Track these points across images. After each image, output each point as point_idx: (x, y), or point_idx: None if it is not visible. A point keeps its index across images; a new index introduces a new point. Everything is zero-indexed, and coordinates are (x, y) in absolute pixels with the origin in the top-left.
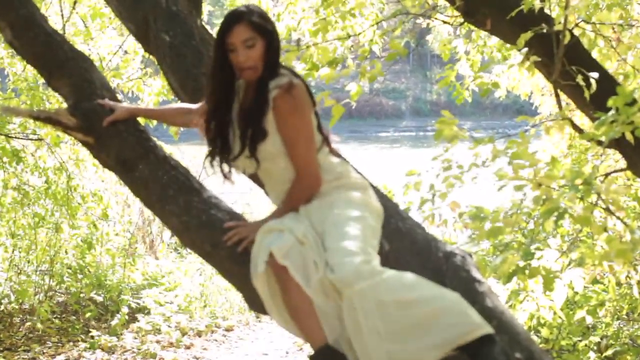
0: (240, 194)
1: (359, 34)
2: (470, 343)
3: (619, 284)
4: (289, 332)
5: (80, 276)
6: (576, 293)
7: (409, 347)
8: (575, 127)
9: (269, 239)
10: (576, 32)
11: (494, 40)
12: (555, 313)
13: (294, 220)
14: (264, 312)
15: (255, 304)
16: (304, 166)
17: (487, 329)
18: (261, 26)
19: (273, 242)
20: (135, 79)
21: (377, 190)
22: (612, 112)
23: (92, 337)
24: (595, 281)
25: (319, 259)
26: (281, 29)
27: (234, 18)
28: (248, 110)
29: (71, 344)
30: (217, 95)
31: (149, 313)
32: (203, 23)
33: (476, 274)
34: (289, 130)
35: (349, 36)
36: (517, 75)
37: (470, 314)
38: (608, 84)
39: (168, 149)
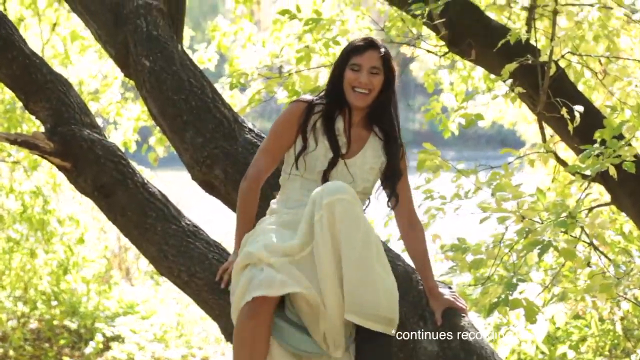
0: (219, 219)
1: None
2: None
3: (601, 319)
4: None
5: (54, 303)
6: (557, 328)
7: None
8: (559, 159)
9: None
10: (562, 63)
11: (479, 70)
12: (537, 348)
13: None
14: None
15: (232, 335)
16: None
17: (393, 331)
18: (389, 62)
19: (251, 289)
20: (115, 103)
21: None
22: (597, 144)
23: None
24: (577, 316)
25: None
26: (265, 55)
27: (370, 43)
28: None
29: None
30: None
31: (123, 342)
32: (184, 48)
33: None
34: None
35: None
36: (502, 105)
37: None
38: (593, 117)
39: (147, 174)
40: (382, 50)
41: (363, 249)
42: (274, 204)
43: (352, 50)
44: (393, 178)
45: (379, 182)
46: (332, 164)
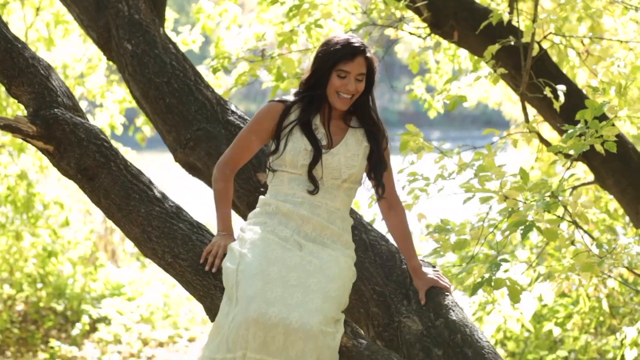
0: (201, 202)
1: None
2: None
3: (588, 297)
4: None
5: (40, 285)
6: (544, 306)
7: None
8: (542, 140)
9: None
10: (545, 44)
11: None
12: (523, 326)
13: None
14: None
15: (216, 316)
16: None
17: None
18: (372, 66)
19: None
20: (100, 86)
21: None
22: (580, 125)
23: (52, 347)
24: (563, 294)
25: None
26: (249, 36)
27: (358, 50)
28: None
29: (30, 354)
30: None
31: (110, 323)
32: (168, 31)
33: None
34: None
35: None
36: (487, 85)
37: None
38: (576, 97)
39: (133, 156)
40: (369, 55)
41: None
42: (263, 198)
43: (342, 57)
44: (378, 167)
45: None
46: (315, 159)
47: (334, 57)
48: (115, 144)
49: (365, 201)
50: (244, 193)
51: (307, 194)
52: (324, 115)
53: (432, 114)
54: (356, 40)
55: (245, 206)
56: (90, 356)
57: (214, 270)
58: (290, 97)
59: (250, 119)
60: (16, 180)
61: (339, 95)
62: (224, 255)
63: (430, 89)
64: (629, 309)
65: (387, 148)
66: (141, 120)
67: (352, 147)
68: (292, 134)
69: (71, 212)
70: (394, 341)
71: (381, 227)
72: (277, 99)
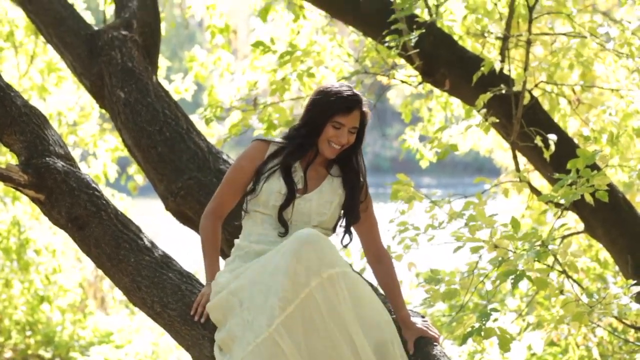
0: (193, 250)
1: None
2: None
3: (577, 345)
4: None
5: (28, 332)
6: (533, 355)
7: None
8: (533, 189)
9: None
10: (536, 93)
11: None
12: None
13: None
14: None
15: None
16: None
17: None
18: (365, 119)
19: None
20: (93, 134)
21: None
22: (571, 174)
23: None
24: (552, 343)
25: None
26: (242, 84)
27: (356, 103)
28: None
29: None
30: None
31: None
32: (161, 78)
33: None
34: None
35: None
36: (479, 133)
37: None
38: (567, 146)
39: (129, 203)
40: (364, 109)
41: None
42: (237, 242)
43: (339, 110)
44: (350, 215)
45: None
46: (287, 202)
47: (331, 108)
48: (109, 191)
49: (357, 251)
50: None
51: (278, 236)
52: (306, 160)
53: (423, 164)
54: (353, 92)
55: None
56: None
57: (202, 320)
58: (277, 139)
59: (233, 164)
60: (9, 227)
61: (330, 144)
62: None
63: (423, 138)
64: (617, 358)
65: (368, 197)
66: (133, 168)
67: (326, 195)
68: (272, 175)
69: (64, 257)
70: None
71: (372, 276)
72: (261, 137)
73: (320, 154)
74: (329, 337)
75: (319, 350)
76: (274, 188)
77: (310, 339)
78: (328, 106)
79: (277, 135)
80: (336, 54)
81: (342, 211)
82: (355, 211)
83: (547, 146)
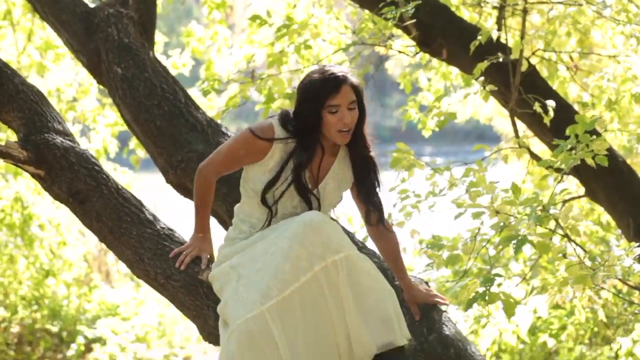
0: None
1: (317, 64)
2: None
3: (583, 307)
4: None
5: (35, 307)
6: (538, 318)
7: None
8: (532, 154)
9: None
10: (534, 60)
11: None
12: (518, 338)
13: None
14: (219, 344)
15: (210, 335)
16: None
17: (404, 340)
18: (360, 91)
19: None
20: (91, 110)
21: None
22: (570, 139)
23: None
24: (557, 306)
25: None
26: (240, 58)
27: (340, 80)
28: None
29: None
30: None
31: (105, 343)
32: (158, 54)
33: None
34: None
35: (305, 67)
36: (478, 101)
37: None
38: (566, 111)
39: (131, 176)
40: (350, 80)
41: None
42: (238, 224)
43: (327, 93)
44: (367, 195)
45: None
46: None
47: (318, 95)
48: (111, 165)
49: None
50: (230, 202)
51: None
52: (318, 158)
53: (426, 133)
54: (334, 69)
55: (225, 214)
56: None
57: (182, 267)
58: (280, 135)
59: (229, 148)
60: (12, 203)
61: (339, 132)
62: (196, 258)
63: (423, 108)
64: (622, 320)
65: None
66: (134, 142)
67: (334, 185)
68: (285, 191)
69: (68, 232)
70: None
71: (373, 244)
72: (263, 135)
73: (327, 147)
74: (327, 324)
75: (312, 337)
76: (289, 204)
77: (307, 325)
78: (315, 93)
79: (276, 114)
80: (333, 27)
81: (357, 193)
82: (370, 187)
83: (546, 112)
